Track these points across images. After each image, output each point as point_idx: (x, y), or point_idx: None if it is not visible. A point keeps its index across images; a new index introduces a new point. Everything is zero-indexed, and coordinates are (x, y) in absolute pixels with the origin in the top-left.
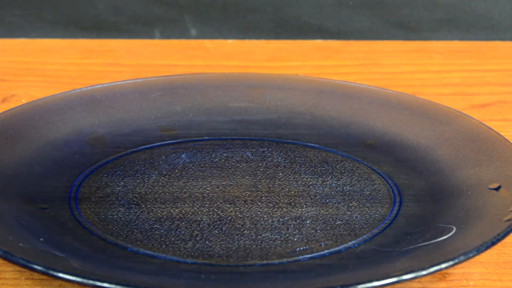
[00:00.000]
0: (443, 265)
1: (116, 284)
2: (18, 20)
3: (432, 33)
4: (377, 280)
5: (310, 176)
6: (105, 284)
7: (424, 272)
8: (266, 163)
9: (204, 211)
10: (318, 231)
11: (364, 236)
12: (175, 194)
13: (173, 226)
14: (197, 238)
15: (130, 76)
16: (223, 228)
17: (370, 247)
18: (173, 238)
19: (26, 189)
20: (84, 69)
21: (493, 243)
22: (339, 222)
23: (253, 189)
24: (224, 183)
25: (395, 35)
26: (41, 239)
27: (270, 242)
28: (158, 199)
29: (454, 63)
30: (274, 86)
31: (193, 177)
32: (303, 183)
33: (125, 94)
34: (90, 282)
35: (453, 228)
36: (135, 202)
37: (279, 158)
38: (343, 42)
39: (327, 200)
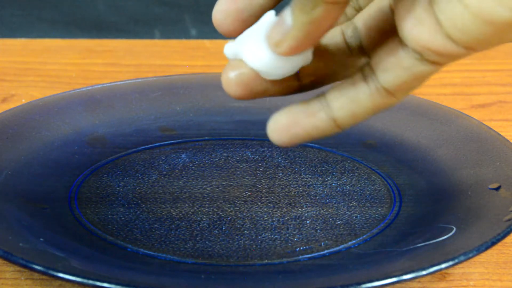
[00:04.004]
0: (443, 265)
1: (116, 284)
2: (18, 20)
3: None
4: (377, 280)
5: (310, 176)
6: (105, 284)
7: (424, 272)
8: (266, 163)
9: (204, 211)
10: (318, 231)
11: (364, 236)
12: (175, 194)
13: (173, 226)
14: (197, 238)
15: (130, 76)
16: (223, 228)
17: (370, 247)
18: (173, 238)
19: (26, 189)
20: (84, 69)
21: (493, 243)
22: (339, 222)
23: (253, 189)
24: (224, 183)
25: None
26: (41, 239)
27: (270, 242)
28: (158, 199)
29: (454, 63)
30: None
31: (193, 177)
32: (303, 183)
33: (125, 94)
34: (90, 282)
35: (453, 228)
36: (135, 202)
37: (279, 158)
38: None
39: (327, 200)
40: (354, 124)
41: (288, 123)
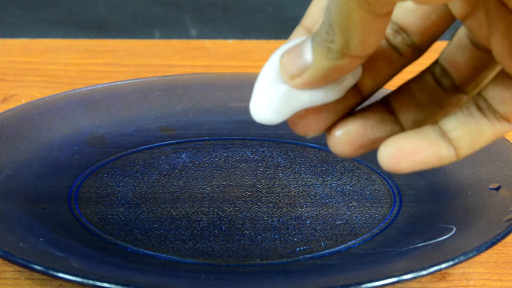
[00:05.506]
0: (443, 265)
1: (116, 284)
2: (18, 20)
3: None
4: (377, 280)
5: (310, 176)
6: (105, 284)
7: (424, 272)
8: (266, 163)
9: (204, 211)
10: (318, 231)
11: (364, 236)
12: (175, 194)
13: (173, 226)
14: (197, 238)
15: (130, 76)
16: (223, 228)
17: (370, 247)
18: (173, 238)
19: (26, 189)
20: (84, 69)
21: (493, 243)
22: (339, 222)
23: (253, 189)
24: (224, 183)
25: None
26: (41, 239)
27: (270, 242)
28: (158, 199)
29: None
30: None
31: (193, 177)
32: (303, 183)
33: (125, 94)
34: (90, 282)
35: (453, 228)
36: (135, 202)
37: (279, 158)
38: None
39: (327, 200)
40: (472, 152)
41: (410, 151)
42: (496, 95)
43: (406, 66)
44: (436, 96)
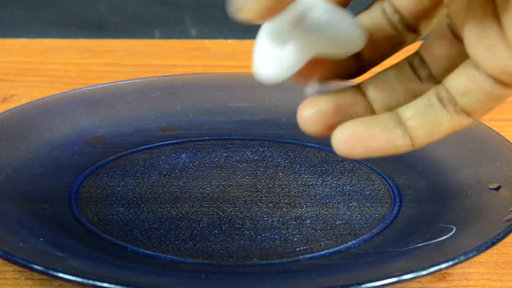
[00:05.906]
0: (443, 265)
1: (116, 284)
2: (18, 20)
3: None
4: (377, 280)
5: (310, 176)
6: (105, 284)
7: (424, 272)
8: (266, 163)
9: (204, 211)
10: (318, 231)
11: (364, 236)
12: (175, 194)
13: (173, 226)
14: (197, 238)
15: (130, 76)
16: (223, 228)
17: (370, 247)
18: (173, 238)
19: (26, 189)
20: (84, 69)
21: (493, 243)
22: (339, 222)
23: (253, 189)
24: (224, 183)
25: None
26: (41, 239)
27: (270, 242)
28: (158, 199)
29: None
30: (274, 86)
31: (193, 177)
32: (303, 183)
33: (125, 94)
34: (90, 282)
35: (453, 228)
36: (135, 202)
37: (279, 158)
38: None
39: (327, 200)
40: (429, 143)
41: (364, 136)
42: (459, 86)
43: (405, 46)
44: (411, 85)
